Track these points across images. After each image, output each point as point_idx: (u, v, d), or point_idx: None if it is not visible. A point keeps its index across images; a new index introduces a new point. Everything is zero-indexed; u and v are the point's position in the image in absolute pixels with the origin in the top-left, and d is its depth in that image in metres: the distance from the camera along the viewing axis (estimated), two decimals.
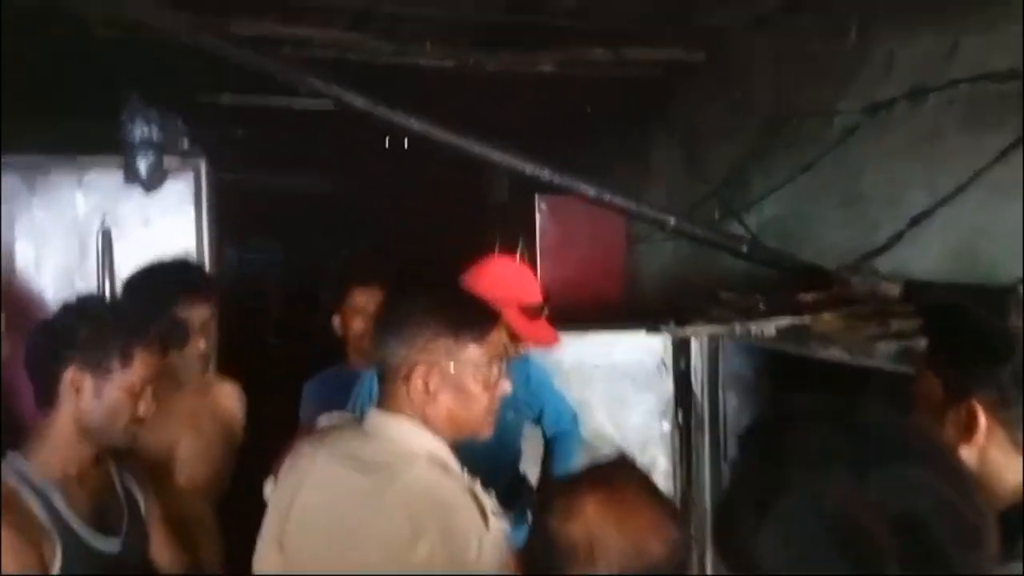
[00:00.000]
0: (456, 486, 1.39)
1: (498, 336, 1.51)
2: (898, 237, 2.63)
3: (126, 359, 1.61)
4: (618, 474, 1.10)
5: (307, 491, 1.48)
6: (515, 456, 2.39)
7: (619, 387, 2.79)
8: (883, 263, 2.69)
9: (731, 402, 2.81)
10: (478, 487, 1.42)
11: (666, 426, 2.87)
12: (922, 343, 1.89)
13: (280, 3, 3.44)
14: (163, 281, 2.08)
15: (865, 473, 0.72)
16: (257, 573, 1.56)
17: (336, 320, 2.66)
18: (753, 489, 0.78)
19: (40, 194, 2.53)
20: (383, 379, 1.49)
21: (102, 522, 1.66)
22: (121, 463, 1.82)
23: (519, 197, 5.07)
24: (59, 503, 1.59)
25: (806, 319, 2.39)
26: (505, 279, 2.24)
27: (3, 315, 2.03)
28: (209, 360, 2.14)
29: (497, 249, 4.77)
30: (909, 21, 2.72)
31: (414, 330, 1.44)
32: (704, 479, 2.91)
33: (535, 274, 3.88)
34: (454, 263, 2.35)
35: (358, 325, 2.62)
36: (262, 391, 2.58)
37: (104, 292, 2.43)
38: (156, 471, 1.99)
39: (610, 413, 2.84)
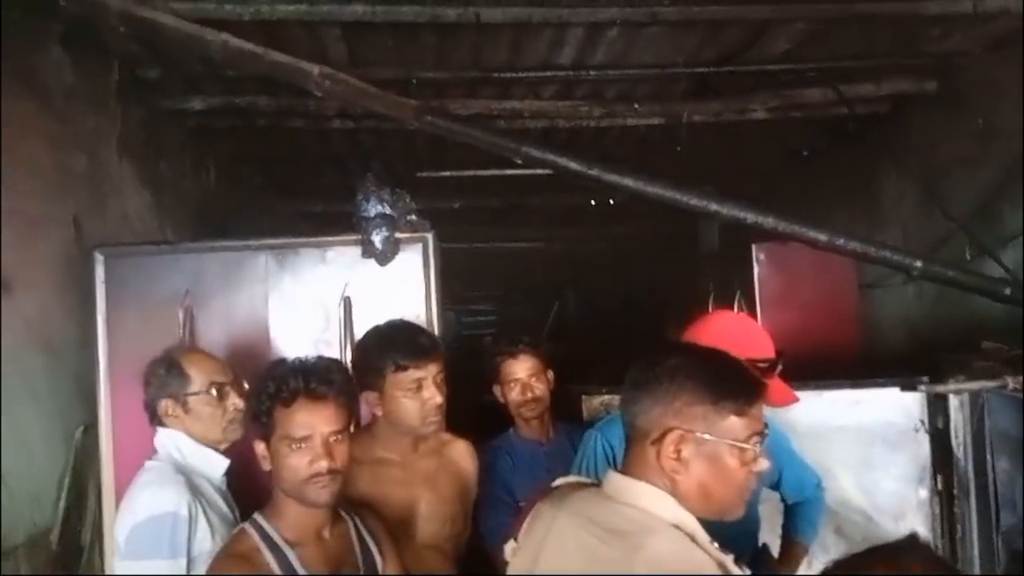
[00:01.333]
0: (706, 560, 1.30)
1: (759, 409, 1.37)
2: None
3: (268, 423, 1.72)
4: (910, 556, 0.95)
5: (548, 556, 1.44)
6: (755, 525, 2.23)
7: (866, 449, 2.53)
8: None
9: (1000, 465, 2.47)
10: (729, 561, 1.32)
11: (924, 493, 2.57)
12: None
13: (492, 80, 3.61)
14: (389, 342, 2.17)
15: None
16: None
17: (497, 389, 2.72)
18: None
19: (290, 271, 2.76)
20: (630, 440, 1.42)
21: None
22: (365, 521, 1.89)
23: (730, 247, 4.90)
24: (294, 561, 1.69)
25: None
26: (733, 333, 2.09)
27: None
28: (440, 412, 2.18)
29: (711, 300, 4.62)
30: None
31: (672, 391, 1.34)
32: (972, 553, 2.57)
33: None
34: (667, 316, 2.29)
35: (515, 395, 2.66)
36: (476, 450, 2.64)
37: (345, 356, 2.59)
38: (398, 529, 2.05)
39: (857, 478, 2.59)
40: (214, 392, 2.08)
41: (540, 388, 2.67)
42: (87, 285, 2.69)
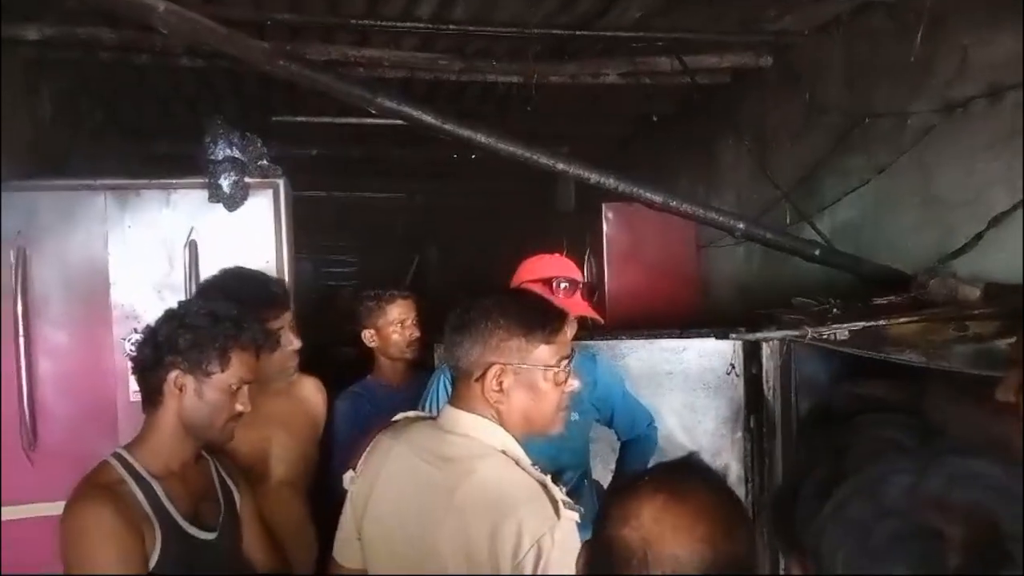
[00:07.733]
0: (529, 480, 1.43)
1: (565, 336, 1.56)
2: (978, 239, 2.56)
3: (224, 361, 1.72)
4: (682, 477, 1.02)
5: (384, 483, 1.56)
6: (581, 457, 2.42)
7: (690, 394, 2.78)
8: (962, 266, 2.62)
9: (804, 407, 2.77)
10: (549, 481, 1.45)
11: (739, 432, 2.85)
12: (1001, 345, 1.85)
13: (351, 27, 3.56)
14: (243, 292, 2.14)
15: (927, 464, 0.72)
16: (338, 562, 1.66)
17: (368, 333, 2.81)
18: (814, 477, 0.79)
19: (131, 213, 2.68)
20: (457, 379, 1.55)
21: (199, 515, 1.77)
22: (220, 461, 1.93)
23: (586, 206, 5.08)
24: (161, 495, 1.70)
25: (881, 323, 2.36)
26: (545, 263, 2.46)
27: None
28: (295, 363, 2.24)
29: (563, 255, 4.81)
30: (984, 18, 2.66)
31: (488, 330, 1.49)
32: (777, 482, 2.87)
33: (594, 274, 4.01)
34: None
35: (396, 336, 2.83)
36: (333, 400, 2.68)
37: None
38: (254, 469, 2.09)
39: (681, 419, 2.84)
40: None
41: (416, 331, 2.86)
42: None
